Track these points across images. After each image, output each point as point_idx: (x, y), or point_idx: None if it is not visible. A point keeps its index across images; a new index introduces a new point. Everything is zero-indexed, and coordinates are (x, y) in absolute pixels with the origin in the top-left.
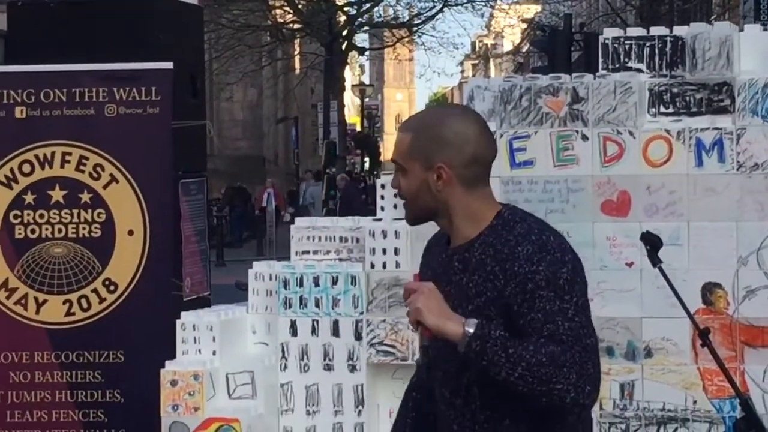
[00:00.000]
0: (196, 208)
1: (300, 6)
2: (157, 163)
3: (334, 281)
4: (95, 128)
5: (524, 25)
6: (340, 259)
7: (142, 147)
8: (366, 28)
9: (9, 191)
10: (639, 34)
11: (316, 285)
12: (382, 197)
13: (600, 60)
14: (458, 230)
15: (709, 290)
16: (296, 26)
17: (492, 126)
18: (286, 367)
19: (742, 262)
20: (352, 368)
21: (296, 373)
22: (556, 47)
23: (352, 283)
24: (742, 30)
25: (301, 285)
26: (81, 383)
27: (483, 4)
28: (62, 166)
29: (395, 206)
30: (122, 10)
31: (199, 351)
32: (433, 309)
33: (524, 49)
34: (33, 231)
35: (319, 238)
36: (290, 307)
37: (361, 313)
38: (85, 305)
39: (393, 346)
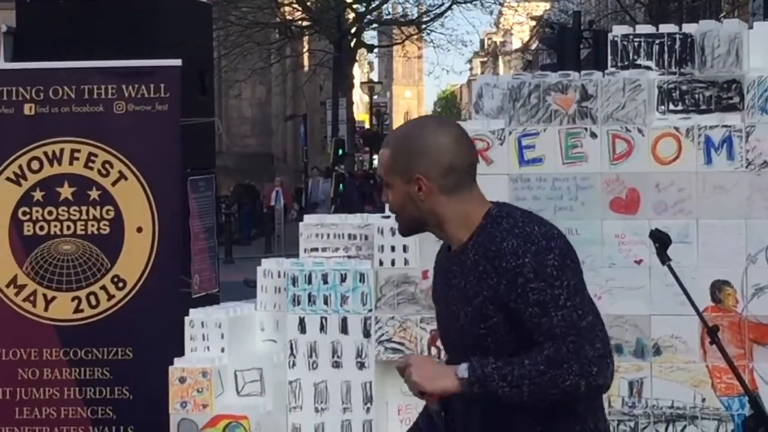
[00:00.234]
0: (205, 205)
1: (309, 3)
2: (165, 160)
3: (343, 278)
4: (104, 125)
5: (533, 23)
6: (349, 257)
7: (151, 144)
8: (375, 25)
9: (18, 188)
10: (648, 32)
11: (325, 282)
12: None
13: (609, 57)
14: (452, 236)
15: (717, 288)
16: (305, 23)
17: (501, 123)
18: (294, 364)
19: (750, 260)
20: (361, 365)
21: (305, 371)
22: (565, 45)
23: (360, 281)
24: (751, 27)
25: (310, 282)
26: (89, 380)
27: (492, 1)
28: (71, 163)
29: None
30: (131, 8)
31: (208, 348)
32: (426, 375)
33: (533, 47)
34: (42, 228)
35: (328, 235)
36: (299, 304)
37: (370, 311)
38: (93, 302)
39: (401, 344)
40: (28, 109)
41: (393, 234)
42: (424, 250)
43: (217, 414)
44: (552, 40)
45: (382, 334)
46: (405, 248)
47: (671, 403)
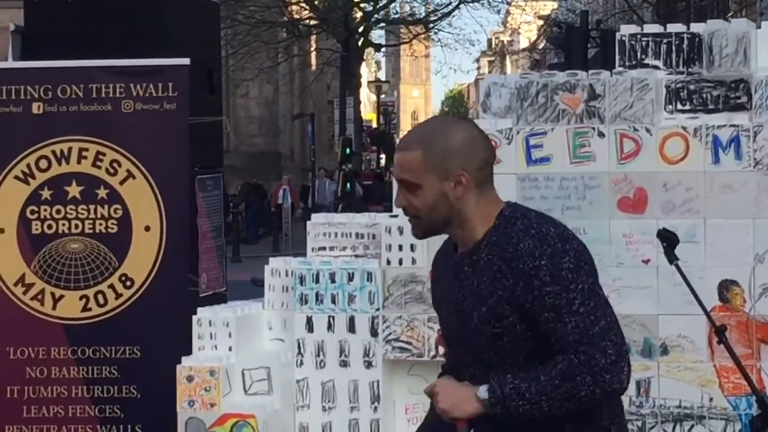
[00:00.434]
0: (213, 204)
1: (316, 2)
2: (173, 159)
3: (350, 277)
4: (112, 124)
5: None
6: (356, 256)
7: (159, 143)
8: (382, 24)
9: (26, 187)
10: (656, 31)
11: (333, 281)
12: None
13: (617, 57)
14: (469, 235)
15: (725, 287)
16: (312, 22)
17: (508, 122)
18: (302, 363)
19: (758, 260)
20: (368, 364)
21: (312, 369)
22: (573, 44)
23: (368, 280)
24: (759, 27)
25: (318, 281)
26: (97, 379)
27: (499, 0)
28: (79, 162)
29: None
30: (139, 7)
31: (216, 347)
32: (451, 400)
33: (540, 46)
34: (50, 226)
35: (336, 234)
36: (306, 303)
37: (377, 310)
38: (101, 301)
39: (409, 343)
40: (36, 108)
41: (401, 233)
42: (432, 249)
43: (225, 413)
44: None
45: (390, 333)
46: (413, 247)
47: (678, 403)
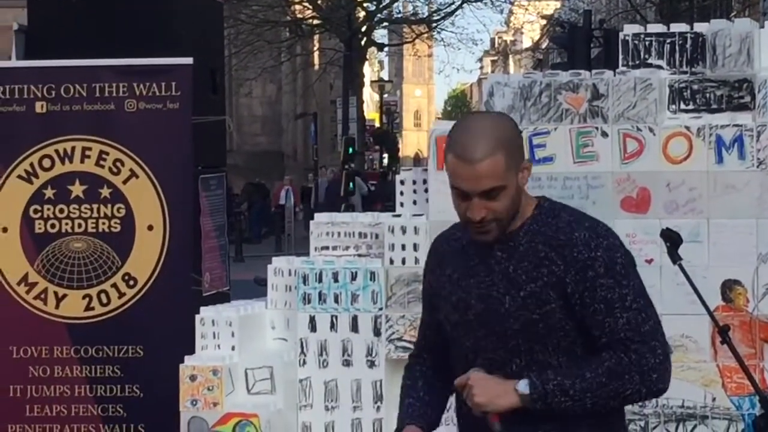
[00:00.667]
0: (216, 204)
1: (319, 2)
2: (176, 159)
3: (353, 277)
4: (115, 123)
5: (544, 22)
6: (360, 255)
7: (162, 142)
8: (385, 24)
9: (29, 186)
10: (659, 31)
11: (336, 281)
12: (402, 193)
13: (620, 56)
14: (510, 225)
15: (728, 287)
16: (315, 22)
17: None
18: (305, 362)
19: (761, 260)
20: (371, 364)
21: (315, 369)
22: (576, 44)
23: (371, 279)
24: (762, 27)
25: (321, 280)
26: (100, 378)
27: (502, 0)
28: (82, 161)
29: (414, 202)
30: (143, 6)
31: (218, 346)
32: (489, 394)
33: (544, 46)
34: (53, 226)
35: (339, 233)
36: (309, 302)
37: (380, 309)
38: (104, 300)
39: (412, 342)
40: (39, 107)
41: (404, 232)
42: None
43: (228, 412)
44: (563, 39)
45: (393, 333)
46: (416, 247)
47: (681, 403)
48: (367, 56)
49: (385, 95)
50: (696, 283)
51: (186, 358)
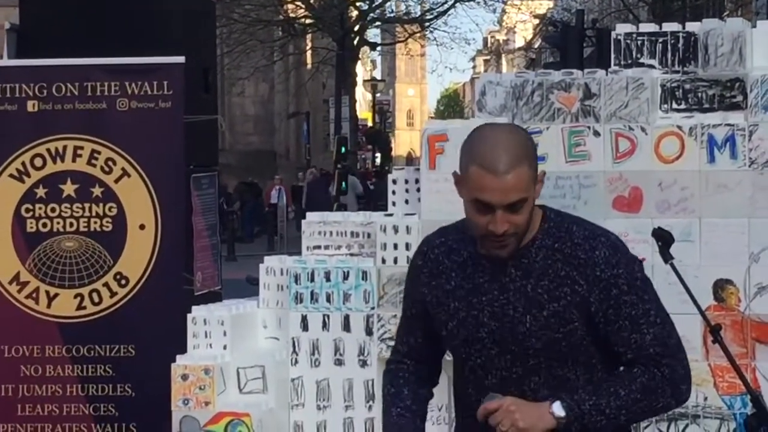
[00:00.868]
0: (208, 203)
1: (312, 1)
2: (168, 158)
3: (345, 276)
4: (107, 122)
5: (536, 21)
6: (351, 254)
7: (154, 141)
8: (378, 23)
9: (21, 185)
10: (651, 30)
11: (327, 280)
12: (394, 192)
13: (612, 56)
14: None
15: (720, 287)
16: (308, 21)
17: (504, 121)
18: (296, 361)
19: (753, 259)
20: (363, 363)
21: (307, 368)
22: (568, 43)
23: (363, 278)
24: (754, 26)
25: (312, 280)
26: (92, 377)
27: None
28: (74, 160)
29: (407, 201)
30: (135, 5)
31: (210, 345)
32: (530, 419)
33: (536, 45)
34: (45, 225)
35: (331, 233)
36: (301, 301)
37: (372, 308)
38: (96, 299)
39: None
40: (31, 106)
41: (396, 232)
42: None
43: (220, 411)
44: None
45: (385, 332)
46: (407, 246)
47: None
48: (360, 55)
49: (378, 94)
50: (688, 282)
51: (178, 357)
